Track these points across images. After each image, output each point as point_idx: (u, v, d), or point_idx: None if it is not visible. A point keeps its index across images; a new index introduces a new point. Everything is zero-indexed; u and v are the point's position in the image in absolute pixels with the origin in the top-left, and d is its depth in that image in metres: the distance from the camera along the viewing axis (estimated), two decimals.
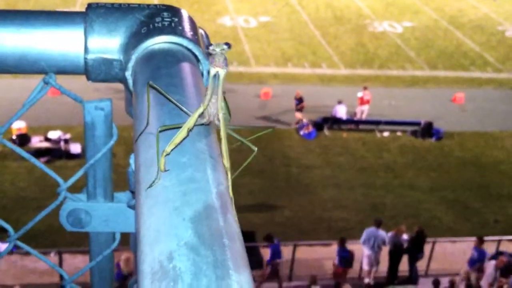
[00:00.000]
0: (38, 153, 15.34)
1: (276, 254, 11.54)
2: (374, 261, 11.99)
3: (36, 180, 14.13)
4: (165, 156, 0.67)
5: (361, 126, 19.09)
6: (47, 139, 15.88)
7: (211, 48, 0.74)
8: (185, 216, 0.57)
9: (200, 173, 0.64)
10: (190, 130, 0.71)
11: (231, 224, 0.58)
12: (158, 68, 0.86)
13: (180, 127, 0.70)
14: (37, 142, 15.85)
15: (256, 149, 0.77)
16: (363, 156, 17.44)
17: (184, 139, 0.70)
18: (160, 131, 0.70)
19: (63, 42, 0.96)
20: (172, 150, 0.68)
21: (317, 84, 21.80)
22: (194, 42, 0.93)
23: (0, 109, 15.52)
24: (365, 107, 19.23)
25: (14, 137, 15.37)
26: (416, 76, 23.21)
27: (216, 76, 0.75)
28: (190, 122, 0.72)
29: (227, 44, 0.75)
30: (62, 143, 15.76)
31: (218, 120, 0.76)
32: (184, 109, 0.77)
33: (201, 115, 0.75)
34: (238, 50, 23.48)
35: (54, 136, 15.84)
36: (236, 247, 0.55)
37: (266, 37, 25.39)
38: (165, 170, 0.65)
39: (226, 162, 0.69)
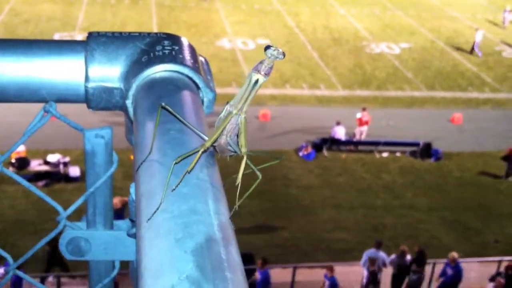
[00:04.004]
0: (37, 176, 15.31)
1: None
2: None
3: (34, 204, 14.07)
4: (202, 152, 0.70)
5: (360, 147, 19.09)
6: (46, 163, 15.85)
7: (268, 51, 0.74)
8: (187, 248, 0.56)
9: (202, 204, 0.64)
10: (224, 129, 0.75)
11: (233, 257, 0.58)
12: (159, 97, 0.86)
13: (195, 153, 0.71)
14: (36, 165, 15.82)
15: (260, 176, 0.77)
16: (363, 177, 17.41)
17: (218, 136, 0.74)
18: (176, 163, 0.69)
19: (64, 71, 0.96)
20: (210, 145, 0.72)
21: (315, 105, 21.85)
22: (195, 70, 0.93)
23: None
24: (364, 128, 19.26)
25: (13, 160, 15.35)
26: (414, 97, 23.28)
27: (256, 83, 0.76)
28: (225, 122, 0.76)
29: (283, 54, 0.75)
30: (61, 166, 15.73)
31: (232, 141, 0.78)
32: (195, 133, 0.77)
33: (217, 140, 0.77)
34: (236, 72, 23.58)
35: (53, 160, 15.82)
36: (238, 280, 0.55)
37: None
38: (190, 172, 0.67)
39: (244, 149, 0.73)
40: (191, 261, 0.55)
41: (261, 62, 0.75)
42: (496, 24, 31.97)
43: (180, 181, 0.66)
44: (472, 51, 27.63)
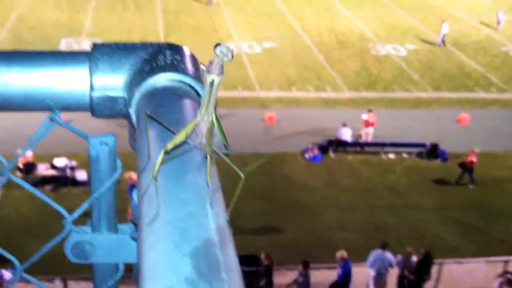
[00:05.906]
0: (44, 180, 15.39)
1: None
2: (381, 284, 11.89)
3: (40, 208, 14.13)
4: (164, 153, 0.72)
5: (366, 149, 19.07)
6: (53, 167, 15.93)
7: (217, 49, 0.77)
8: (185, 251, 0.59)
9: (200, 208, 0.67)
10: (187, 135, 0.77)
11: (229, 258, 0.61)
12: (160, 105, 0.89)
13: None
14: (43, 169, 15.90)
15: (243, 176, 0.77)
16: (369, 179, 17.40)
17: (182, 142, 0.76)
18: (166, 152, 0.73)
19: (69, 81, 0.99)
20: (171, 149, 0.74)
21: (321, 108, 21.86)
22: (196, 79, 0.96)
23: None
24: (370, 130, 19.24)
25: (20, 165, 15.43)
26: (420, 98, 23.24)
27: (212, 83, 0.78)
28: (188, 127, 0.77)
29: (231, 55, 0.78)
30: (68, 171, 15.81)
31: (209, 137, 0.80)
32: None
33: (193, 136, 0.79)
34: (242, 75, 23.62)
35: (60, 164, 15.89)
36: (234, 281, 0.58)
37: (270, 62, 25.54)
38: (156, 178, 0.69)
39: (208, 148, 0.75)
40: (189, 264, 0.58)
41: (211, 62, 0.77)
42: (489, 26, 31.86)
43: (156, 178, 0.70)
44: (444, 44, 27.84)
